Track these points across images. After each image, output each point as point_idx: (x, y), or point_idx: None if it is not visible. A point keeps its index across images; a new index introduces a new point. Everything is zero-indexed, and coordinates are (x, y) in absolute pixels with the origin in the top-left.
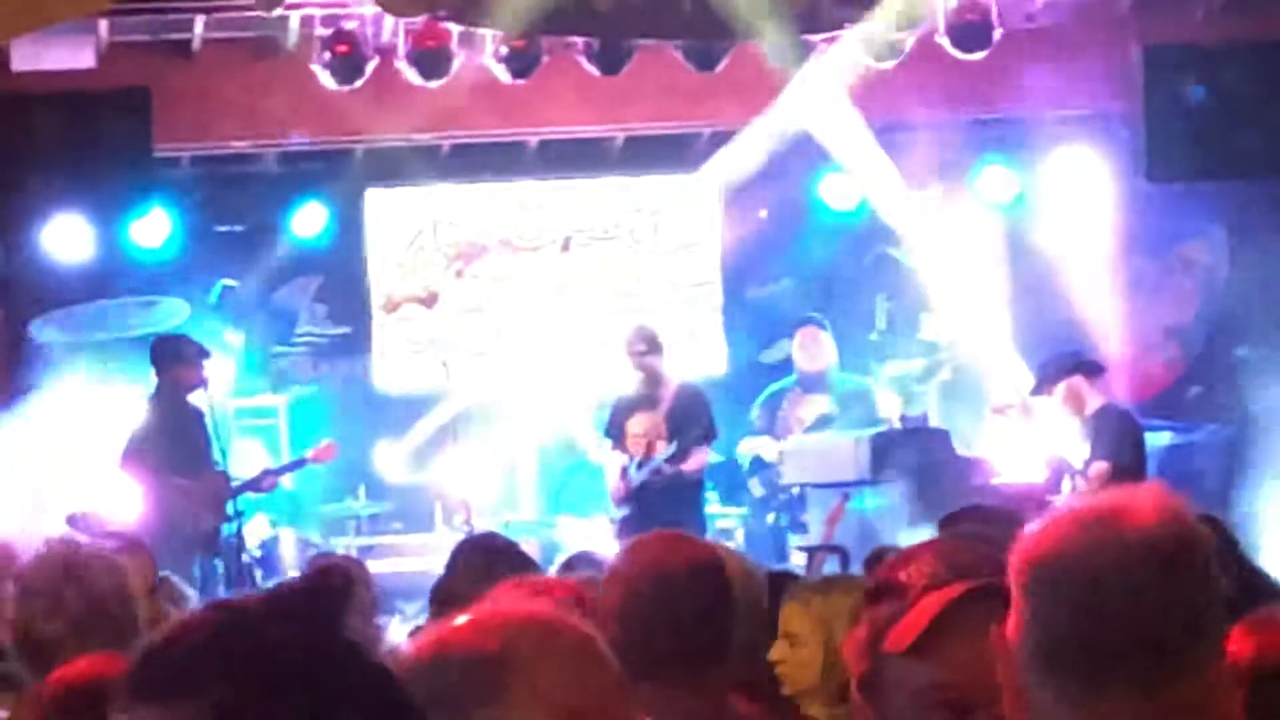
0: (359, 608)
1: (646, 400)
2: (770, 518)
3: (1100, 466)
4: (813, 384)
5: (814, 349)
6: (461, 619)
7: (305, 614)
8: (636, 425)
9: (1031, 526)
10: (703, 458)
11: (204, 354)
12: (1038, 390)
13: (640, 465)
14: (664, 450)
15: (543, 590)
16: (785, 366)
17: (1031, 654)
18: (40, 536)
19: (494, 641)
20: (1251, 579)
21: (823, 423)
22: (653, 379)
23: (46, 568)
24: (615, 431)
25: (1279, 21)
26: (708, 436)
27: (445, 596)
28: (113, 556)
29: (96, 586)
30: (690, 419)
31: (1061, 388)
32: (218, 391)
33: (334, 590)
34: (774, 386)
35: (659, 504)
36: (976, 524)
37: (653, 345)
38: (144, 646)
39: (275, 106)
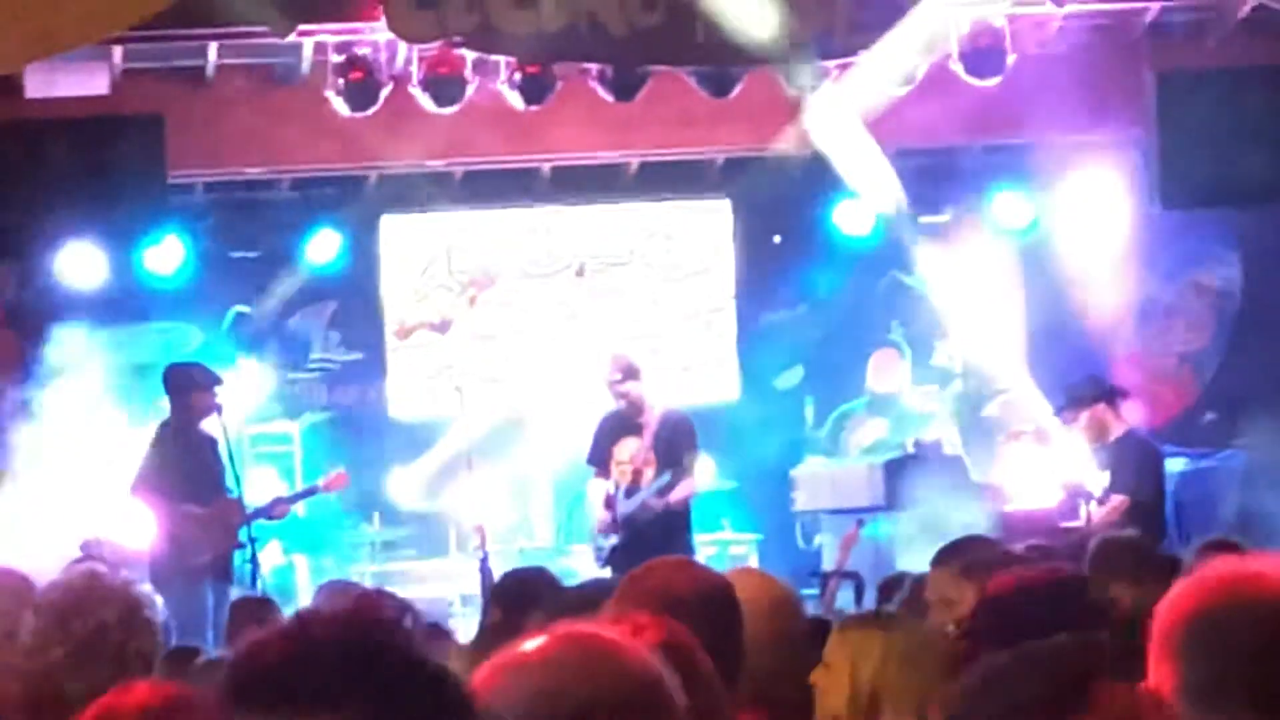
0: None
1: (631, 426)
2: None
3: (1119, 499)
4: (882, 406)
5: (889, 370)
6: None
7: (362, 631)
8: (623, 452)
9: (1181, 588)
10: (690, 486)
11: (217, 381)
12: (1063, 411)
13: (629, 493)
14: (652, 480)
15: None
16: (799, 392)
17: (1195, 696)
18: (56, 564)
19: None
20: None
21: (879, 447)
22: (634, 406)
23: (57, 595)
24: (599, 457)
25: None
26: (691, 465)
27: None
28: (127, 586)
29: (99, 615)
30: (677, 446)
31: (1085, 414)
32: (231, 418)
33: (388, 614)
34: (845, 407)
35: (648, 531)
36: (977, 554)
37: (629, 373)
38: (265, 655)
39: (289, 133)
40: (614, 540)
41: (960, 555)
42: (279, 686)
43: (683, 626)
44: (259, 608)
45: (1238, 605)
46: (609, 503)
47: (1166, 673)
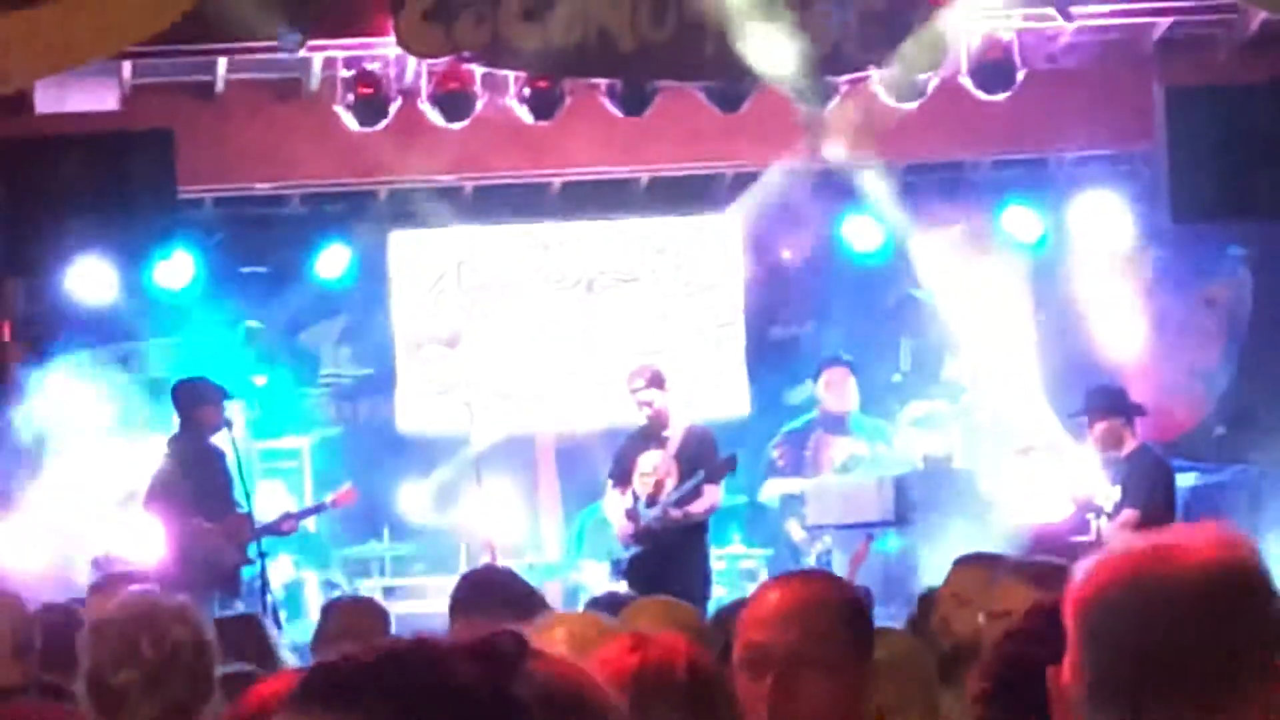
0: None
1: (654, 439)
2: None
3: (1130, 514)
4: (835, 425)
5: (842, 389)
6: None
7: (491, 657)
8: (646, 463)
9: (1083, 565)
10: (714, 497)
11: (226, 396)
12: (1081, 416)
13: (650, 504)
14: (672, 489)
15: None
16: (808, 406)
17: (1088, 690)
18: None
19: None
20: None
21: (854, 463)
22: (657, 417)
23: (122, 616)
24: (620, 472)
25: None
26: (720, 473)
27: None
28: (187, 607)
29: (171, 636)
30: (700, 459)
31: (1103, 425)
32: (241, 433)
33: (513, 644)
34: (791, 425)
35: (667, 544)
36: (985, 568)
37: (653, 380)
38: (319, 667)
39: (299, 148)
40: (635, 549)
41: (984, 562)
42: (317, 681)
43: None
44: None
45: (1131, 590)
46: (631, 515)
47: (1070, 663)
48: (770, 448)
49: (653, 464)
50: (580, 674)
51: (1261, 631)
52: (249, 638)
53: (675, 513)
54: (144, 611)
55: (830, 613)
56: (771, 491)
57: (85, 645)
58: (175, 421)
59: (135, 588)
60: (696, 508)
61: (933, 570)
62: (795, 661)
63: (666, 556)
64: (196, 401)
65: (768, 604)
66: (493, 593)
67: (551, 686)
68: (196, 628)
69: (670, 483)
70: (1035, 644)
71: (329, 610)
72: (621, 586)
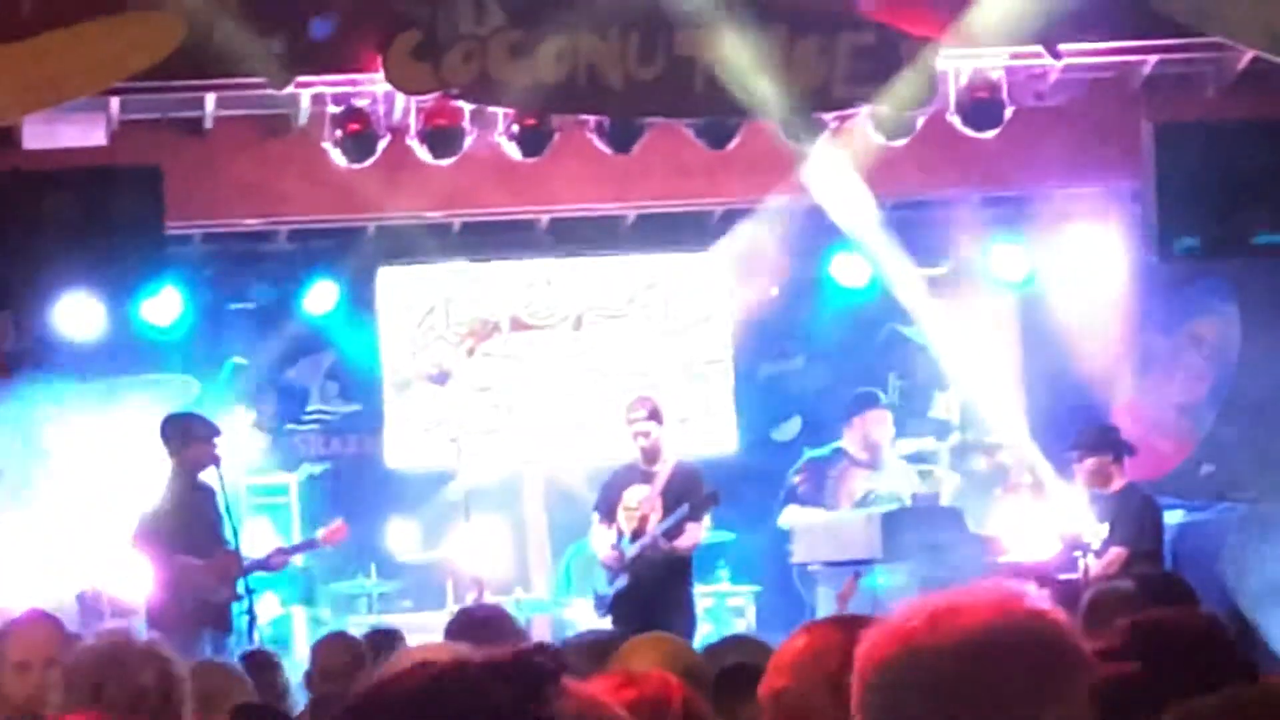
0: None
1: (642, 474)
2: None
3: (1118, 551)
4: (869, 461)
5: (881, 431)
6: None
7: (519, 679)
8: (631, 498)
9: (866, 635)
10: (697, 534)
11: (215, 432)
12: (1071, 452)
13: (634, 538)
14: (656, 525)
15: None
16: (796, 444)
17: None
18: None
19: None
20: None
21: (869, 500)
22: (651, 450)
23: (89, 658)
24: (606, 506)
25: None
26: (702, 508)
27: None
28: (158, 647)
29: (137, 679)
30: (685, 495)
31: (1092, 461)
32: (229, 469)
33: (545, 664)
34: (814, 453)
35: (651, 580)
36: None
37: (653, 413)
38: (363, 693)
39: (286, 184)
40: (619, 584)
41: None
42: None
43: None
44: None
45: (898, 663)
46: (615, 548)
47: None
48: (791, 474)
49: (638, 499)
50: (604, 699)
51: (1018, 696)
52: (266, 673)
53: (662, 543)
54: (111, 653)
55: (849, 659)
56: (790, 518)
57: (56, 686)
58: (164, 458)
59: (108, 627)
60: (680, 543)
61: None
62: (806, 708)
63: (651, 593)
64: (185, 438)
65: (792, 649)
66: (486, 631)
67: (581, 707)
68: (164, 668)
69: (655, 518)
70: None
71: (322, 646)
72: (606, 622)
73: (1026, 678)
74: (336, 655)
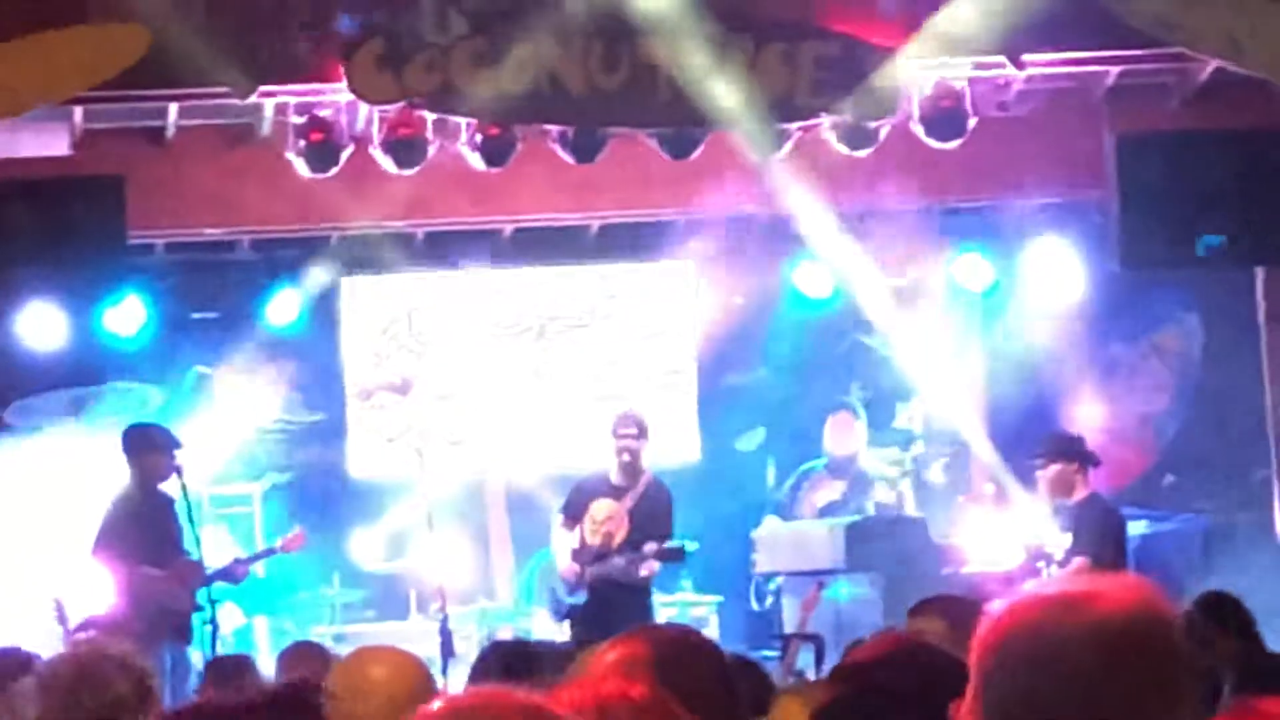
0: None
1: (613, 489)
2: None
3: (1080, 561)
4: (841, 468)
5: (846, 433)
6: None
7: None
8: (600, 510)
9: (994, 609)
10: (654, 567)
11: (175, 444)
12: (1034, 458)
13: (599, 556)
14: (622, 543)
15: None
16: (760, 454)
17: None
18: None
19: None
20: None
21: (832, 509)
22: (631, 467)
23: (64, 669)
24: (573, 509)
25: (1251, 111)
26: (664, 557)
27: None
28: (131, 657)
29: (113, 688)
30: (652, 522)
31: (1056, 469)
32: (191, 479)
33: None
34: (806, 466)
35: (612, 595)
36: (944, 613)
37: (641, 430)
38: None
39: (249, 194)
40: (579, 598)
41: (940, 607)
42: None
43: (657, 688)
44: (235, 667)
45: (1029, 639)
46: (576, 557)
47: (968, 703)
48: (787, 487)
49: (606, 513)
50: None
51: (1153, 693)
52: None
53: (618, 563)
54: (86, 663)
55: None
56: (766, 530)
57: (31, 697)
58: (124, 467)
59: (80, 637)
60: (639, 573)
61: (884, 617)
62: None
63: (612, 607)
64: (147, 448)
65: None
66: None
67: None
68: (139, 677)
69: (620, 535)
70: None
71: (287, 656)
72: (564, 629)
73: (1158, 676)
74: (304, 664)
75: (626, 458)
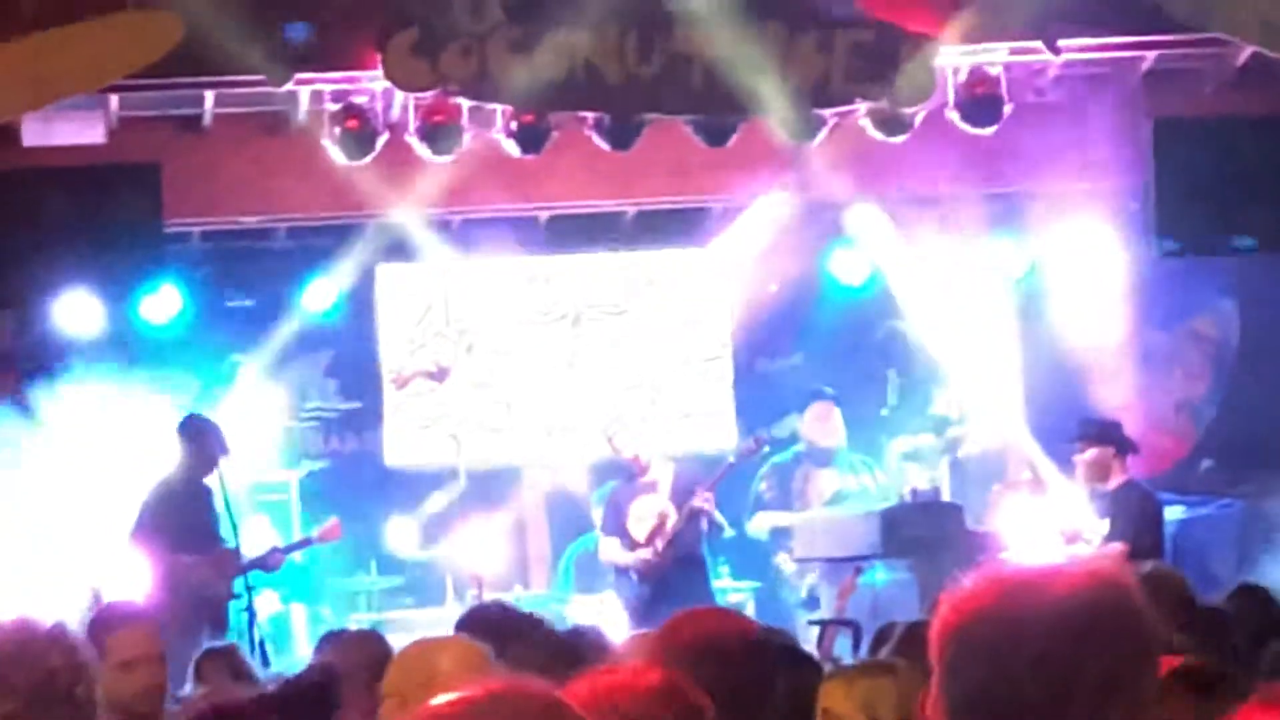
0: None
1: (641, 487)
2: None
3: (1117, 547)
4: (821, 458)
5: (827, 424)
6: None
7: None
8: (641, 508)
9: (949, 595)
10: (709, 496)
11: (225, 451)
12: (1071, 443)
13: (651, 539)
14: (674, 521)
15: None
16: (791, 440)
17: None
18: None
19: None
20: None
21: (842, 496)
22: (635, 459)
23: None
24: (617, 525)
25: None
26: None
27: None
28: (68, 635)
29: (45, 663)
30: (689, 493)
31: (1093, 453)
32: (229, 467)
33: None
34: (778, 458)
35: (672, 580)
36: None
37: (619, 431)
38: None
39: (285, 182)
40: (643, 590)
41: None
42: None
43: (684, 676)
44: (228, 657)
45: (987, 623)
46: (635, 547)
47: (933, 693)
48: (758, 480)
49: (648, 508)
50: None
51: (1121, 667)
52: (231, 666)
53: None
54: (15, 642)
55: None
56: (760, 524)
57: None
58: (176, 452)
59: (7, 619)
60: (695, 507)
61: (920, 602)
62: None
63: (674, 593)
64: (203, 440)
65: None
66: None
67: None
68: (72, 653)
69: (672, 519)
70: None
71: (326, 644)
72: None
73: (1108, 659)
74: (360, 652)
75: (633, 459)
